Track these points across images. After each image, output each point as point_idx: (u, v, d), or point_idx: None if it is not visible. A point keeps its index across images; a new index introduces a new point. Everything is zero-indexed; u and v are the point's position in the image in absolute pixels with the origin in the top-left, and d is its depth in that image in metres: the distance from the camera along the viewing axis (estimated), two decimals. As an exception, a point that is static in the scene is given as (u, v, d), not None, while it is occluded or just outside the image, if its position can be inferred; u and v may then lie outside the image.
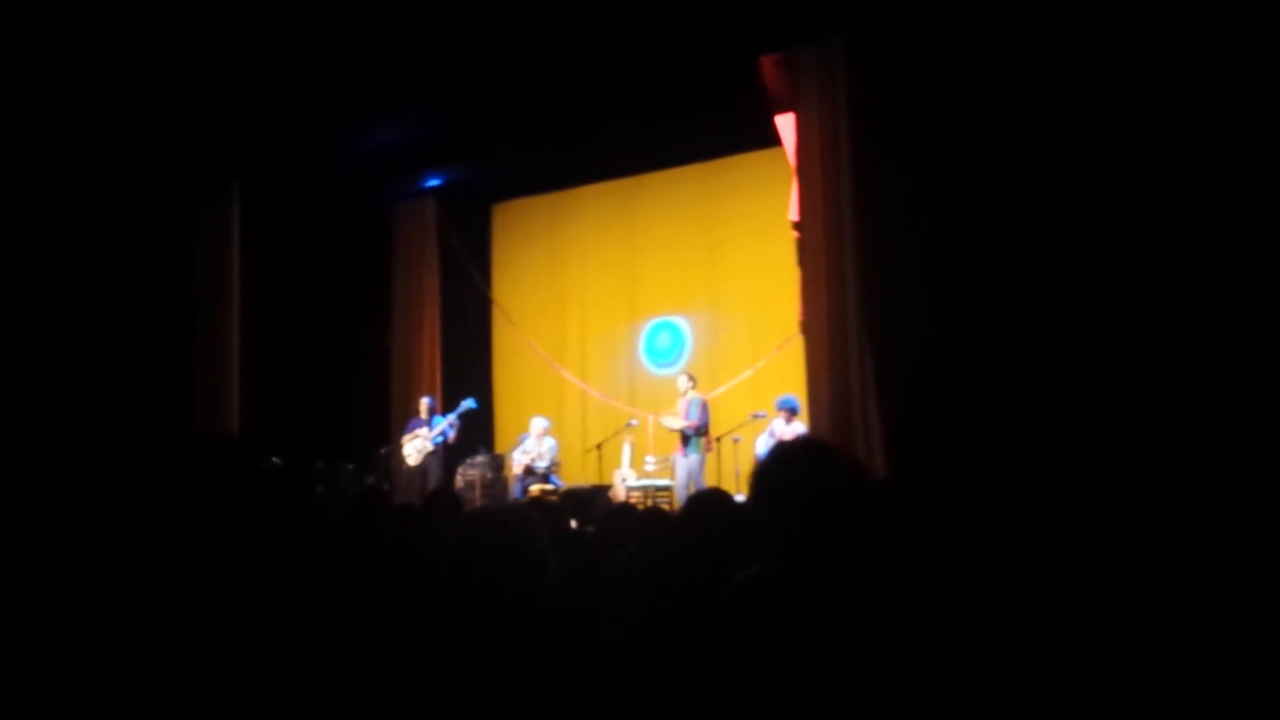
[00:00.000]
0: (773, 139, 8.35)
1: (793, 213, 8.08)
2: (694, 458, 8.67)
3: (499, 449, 10.72)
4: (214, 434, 8.89)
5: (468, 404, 9.97)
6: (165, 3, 7.15)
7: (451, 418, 9.91)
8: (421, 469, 9.98)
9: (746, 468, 8.48)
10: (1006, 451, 6.20)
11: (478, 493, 9.76)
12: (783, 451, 1.99)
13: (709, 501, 2.54)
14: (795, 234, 8.10)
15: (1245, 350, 5.36)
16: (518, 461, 9.68)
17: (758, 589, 1.74)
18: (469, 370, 11.34)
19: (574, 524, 4.21)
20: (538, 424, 9.76)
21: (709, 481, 8.58)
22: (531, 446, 9.66)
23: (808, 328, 7.90)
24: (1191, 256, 5.94)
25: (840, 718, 1.15)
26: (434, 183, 11.06)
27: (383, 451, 10.38)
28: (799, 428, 8.23)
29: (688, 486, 8.54)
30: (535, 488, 9.32)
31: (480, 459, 10.04)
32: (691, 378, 9.11)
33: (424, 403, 10.24)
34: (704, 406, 8.85)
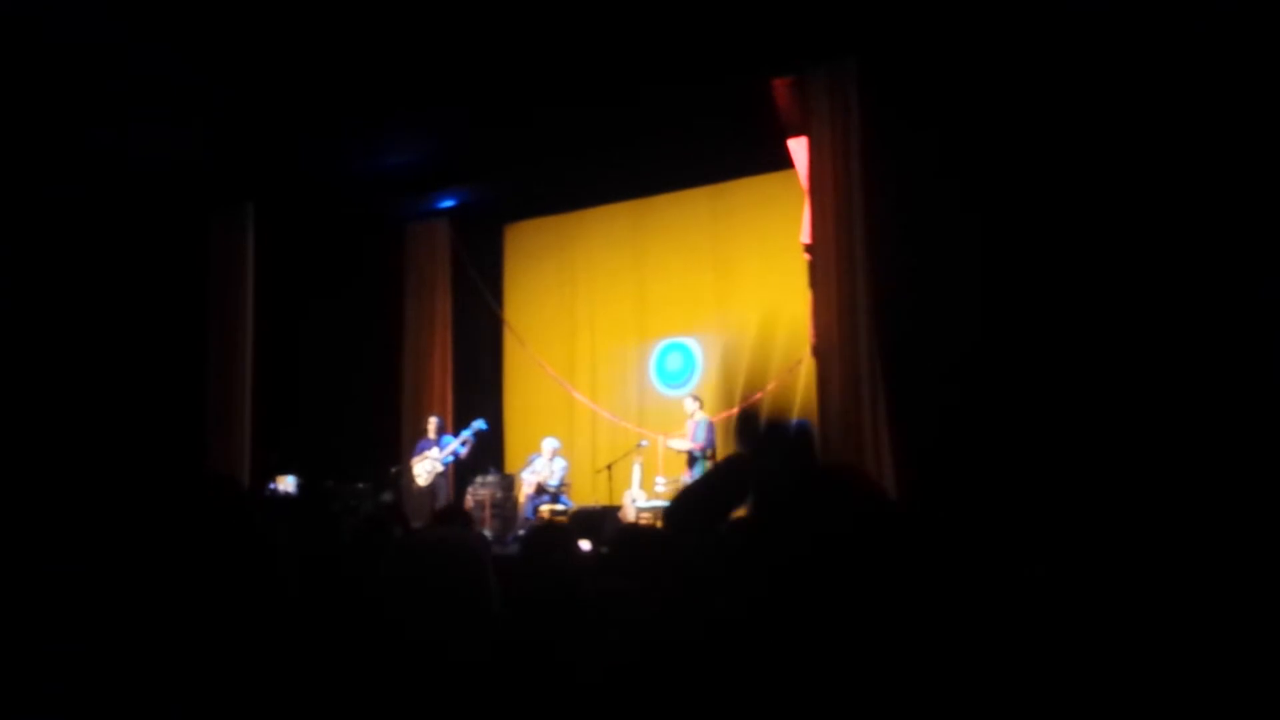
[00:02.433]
0: (784, 161, 8.38)
1: (804, 235, 8.09)
2: (700, 479, 8.63)
3: (509, 469, 10.71)
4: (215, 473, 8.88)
5: (478, 425, 9.97)
6: (179, 19, 7.22)
7: (465, 435, 9.92)
8: (431, 489, 9.99)
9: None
10: (1020, 473, 6.18)
11: (487, 512, 9.75)
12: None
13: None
14: (807, 256, 8.10)
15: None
16: (528, 481, 9.68)
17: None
18: (480, 389, 11.36)
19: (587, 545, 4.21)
20: (549, 444, 9.76)
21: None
22: (542, 466, 9.66)
23: (819, 350, 7.89)
24: (1196, 267, 5.96)
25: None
26: (447, 204, 11.14)
27: (394, 470, 10.39)
28: (809, 450, 8.20)
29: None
30: (546, 508, 9.32)
31: (490, 478, 10.04)
32: (698, 399, 9.11)
33: (432, 422, 10.26)
34: (710, 428, 8.84)
